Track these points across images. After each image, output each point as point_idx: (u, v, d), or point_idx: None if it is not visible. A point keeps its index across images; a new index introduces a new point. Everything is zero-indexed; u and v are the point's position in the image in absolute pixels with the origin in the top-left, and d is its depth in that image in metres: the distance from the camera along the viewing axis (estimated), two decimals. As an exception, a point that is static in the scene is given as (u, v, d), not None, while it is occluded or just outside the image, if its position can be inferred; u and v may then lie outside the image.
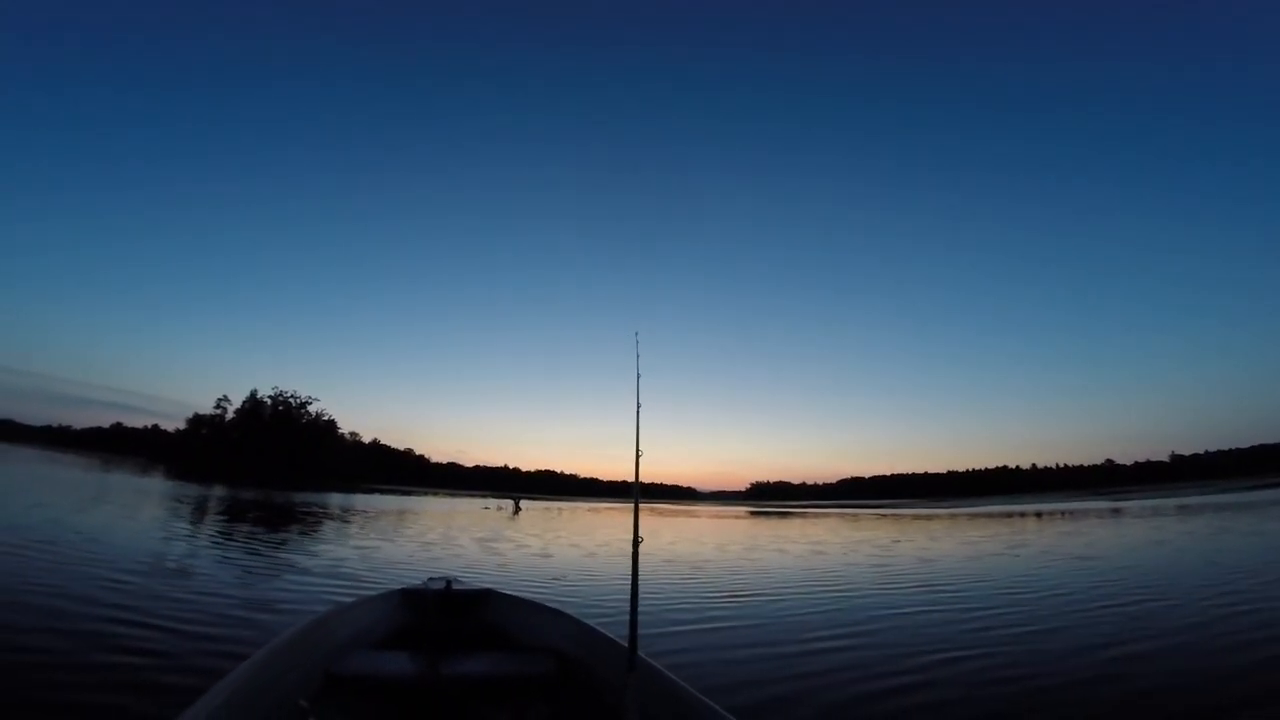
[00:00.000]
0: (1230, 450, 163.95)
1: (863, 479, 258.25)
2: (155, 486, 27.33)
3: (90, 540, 8.24)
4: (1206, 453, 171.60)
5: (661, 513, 45.28)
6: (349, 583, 6.61)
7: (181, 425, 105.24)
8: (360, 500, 34.74)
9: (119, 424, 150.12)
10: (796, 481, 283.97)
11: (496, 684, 2.76)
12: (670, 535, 18.43)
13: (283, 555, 8.71)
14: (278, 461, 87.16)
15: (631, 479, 2.96)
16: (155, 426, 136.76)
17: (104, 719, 2.80)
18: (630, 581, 2.38)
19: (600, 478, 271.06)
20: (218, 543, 9.62)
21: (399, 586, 3.94)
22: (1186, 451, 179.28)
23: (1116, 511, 32.77)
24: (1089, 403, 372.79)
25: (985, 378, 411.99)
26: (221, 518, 14.69)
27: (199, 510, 16.42)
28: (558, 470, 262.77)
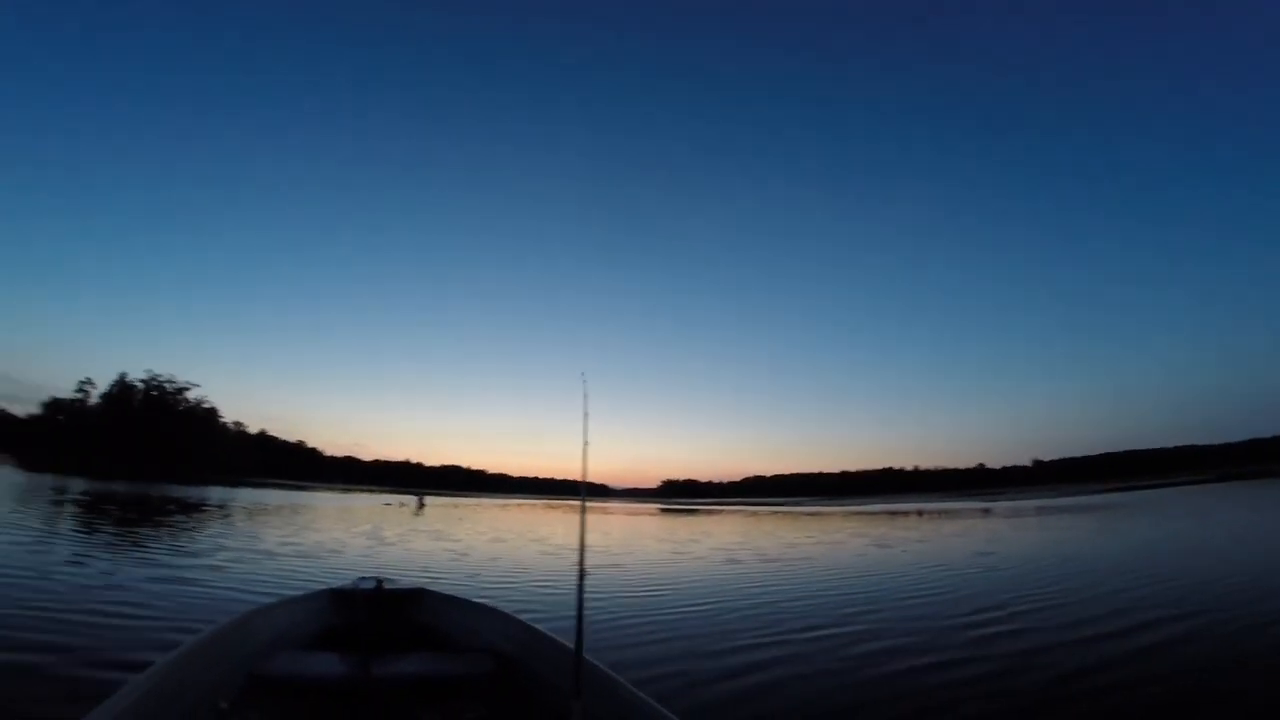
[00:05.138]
0: (1083, 458, 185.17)
1: (765, 478, 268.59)
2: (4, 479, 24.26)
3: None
4: (1062, 459, 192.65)
5: (576, 510, 45.21)
6: (257, 586, 6.27)
7: (35, 410, 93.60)
8: (246, 495, 32.43)
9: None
10: (704, 479, 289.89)
11: (431, 684, 2.73)
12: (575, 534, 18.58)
13: (171, 556, 8.09)
14: (150, 452, 79.20)
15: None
16: (2, 411, 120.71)
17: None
18: (576, 594, 2.30)
19: (510, 473, 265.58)
20: (85, 541, 8.80)
21: (326, 587, 3.82)
22: (1046, 458, 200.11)
23: (986, 512, 36.18)
24: (964, 410, 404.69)
25: (877, 383, 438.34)
26: (89, 514, 13.34)
27: (58, 506, 14.83)
28: (464, 466, 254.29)
